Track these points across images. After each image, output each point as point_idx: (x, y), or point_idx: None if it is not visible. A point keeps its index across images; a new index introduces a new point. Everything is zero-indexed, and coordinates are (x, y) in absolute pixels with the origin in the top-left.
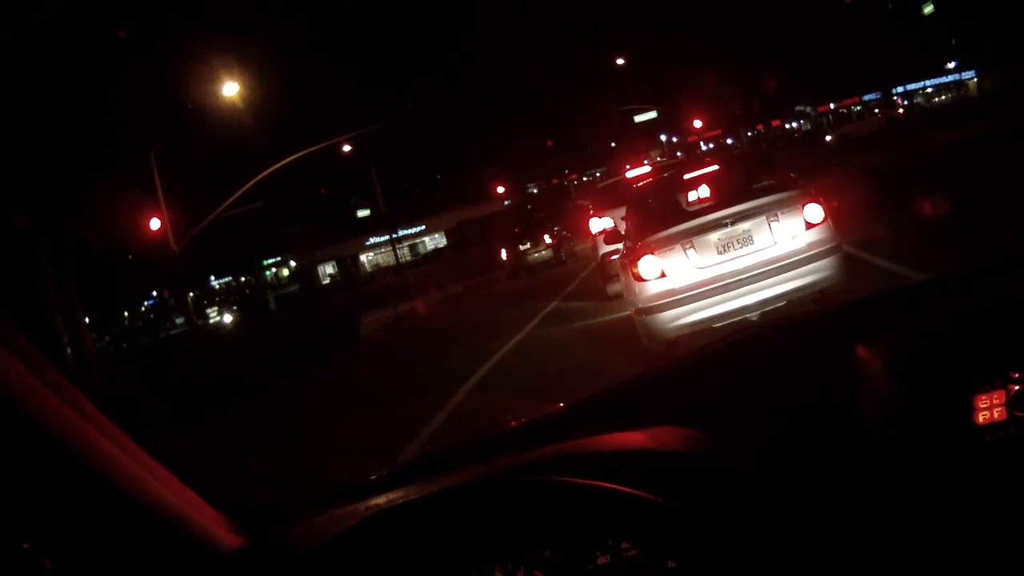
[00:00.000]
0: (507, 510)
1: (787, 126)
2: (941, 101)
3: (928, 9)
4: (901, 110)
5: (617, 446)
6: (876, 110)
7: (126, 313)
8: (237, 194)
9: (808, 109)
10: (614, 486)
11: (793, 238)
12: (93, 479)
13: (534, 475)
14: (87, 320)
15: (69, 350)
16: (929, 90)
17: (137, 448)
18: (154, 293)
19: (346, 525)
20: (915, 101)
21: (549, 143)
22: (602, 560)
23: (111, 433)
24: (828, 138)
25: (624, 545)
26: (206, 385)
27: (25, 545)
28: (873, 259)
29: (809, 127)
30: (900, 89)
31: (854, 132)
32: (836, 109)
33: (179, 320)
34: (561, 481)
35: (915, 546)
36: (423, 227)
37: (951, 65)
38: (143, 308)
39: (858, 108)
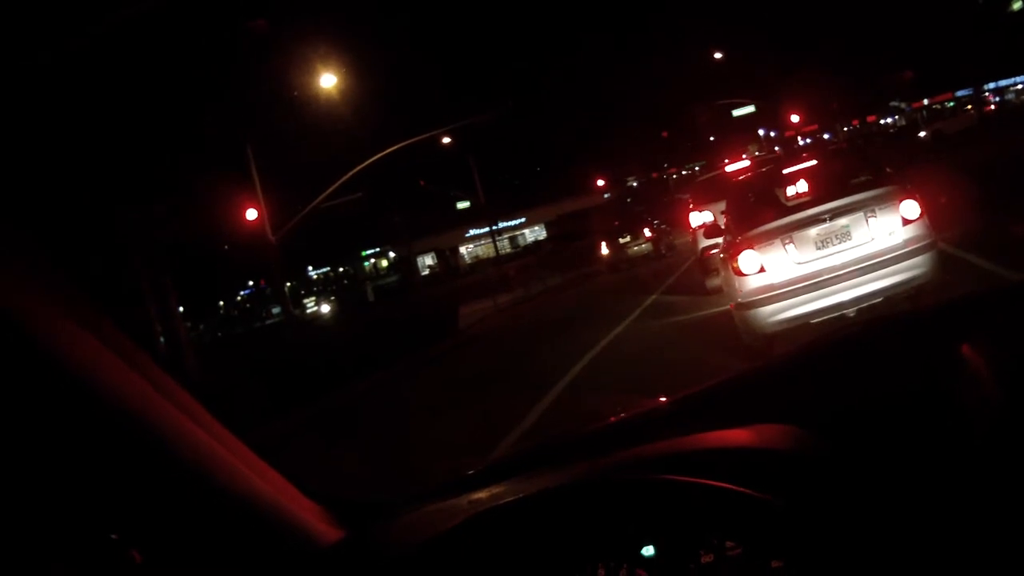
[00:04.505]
0: (612, 509)
1: (882, 122)
2: None
3: (1017, 5)
4: (992, 106)
5: (722, 443)
6: (968, 106)
7: (221, 303)
8: (335, 185)
9: (902, 105)
10: (719, 483)
11: (890, 234)
12: (187, 470)
13: (638, 473)
14: (181, 309)
15: (162, 339)
16: (1020, 87)
17: (233, 438)
18: (251, 283)
19: (448, 520)
20: (1006, 98)
21: (664, 134)
22: (706, 559)
23: (206, 423)
24: (922, 134)
25: (728, 544)
26: (301, 375)
27: (113, 536)
28: (967, 257)
29: (904, 123)
30: (992, 85)
31: (947, 128)
32: (930, 105)
33: (276, 310)
34: (666, 479)
35: None
36: (523, 219)
37: None
38: (239, 297)
39: (951, 104)
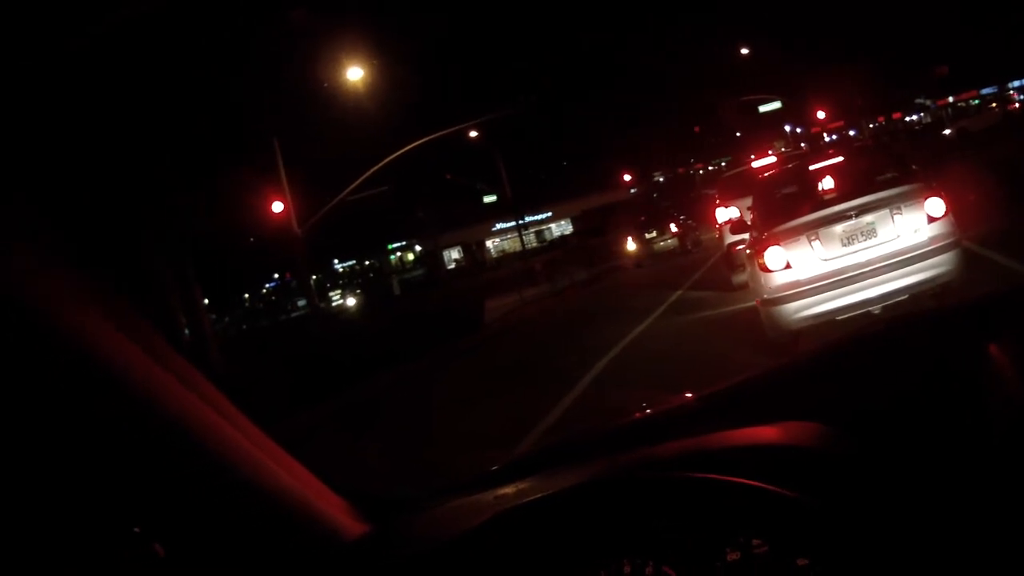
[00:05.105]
0: (639, 507)
1: (907, 119)
2: None
3: None
4: (1017, 104)
5: (748, 440)
6: (993, 104)
7: (247, 295)
8: (362, 178)
9: (928, 102)
10: (747, 481)
11: (915, 231)
12: (211, 463)
13: (665, 470)
14: (206, 301)
15: (187, 331)
16: None
17: (258, 431)
18: (276, 275)
19: (473, 516)
20: None
21: (696, 129)
22: (732, 556)
23: (230, 415)
24: (947, 131)
25: (755, 542)
26: (327, 368)
27: (136, 529)
28: (992, 255)
29: (929, 120)
30: (1017, 83)
31: (972, 126)
32: (955, 102)
33: (301, 303)
34: (694, 477)
35: None
36: (549, 214)
37: None
38: (264, 290)
39: (976, 102)
